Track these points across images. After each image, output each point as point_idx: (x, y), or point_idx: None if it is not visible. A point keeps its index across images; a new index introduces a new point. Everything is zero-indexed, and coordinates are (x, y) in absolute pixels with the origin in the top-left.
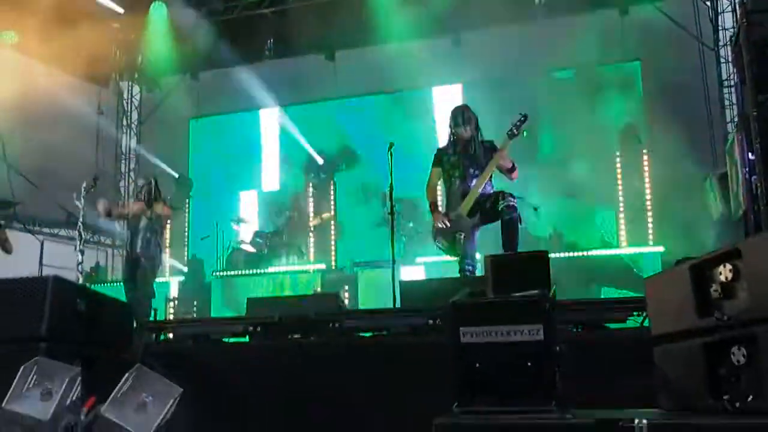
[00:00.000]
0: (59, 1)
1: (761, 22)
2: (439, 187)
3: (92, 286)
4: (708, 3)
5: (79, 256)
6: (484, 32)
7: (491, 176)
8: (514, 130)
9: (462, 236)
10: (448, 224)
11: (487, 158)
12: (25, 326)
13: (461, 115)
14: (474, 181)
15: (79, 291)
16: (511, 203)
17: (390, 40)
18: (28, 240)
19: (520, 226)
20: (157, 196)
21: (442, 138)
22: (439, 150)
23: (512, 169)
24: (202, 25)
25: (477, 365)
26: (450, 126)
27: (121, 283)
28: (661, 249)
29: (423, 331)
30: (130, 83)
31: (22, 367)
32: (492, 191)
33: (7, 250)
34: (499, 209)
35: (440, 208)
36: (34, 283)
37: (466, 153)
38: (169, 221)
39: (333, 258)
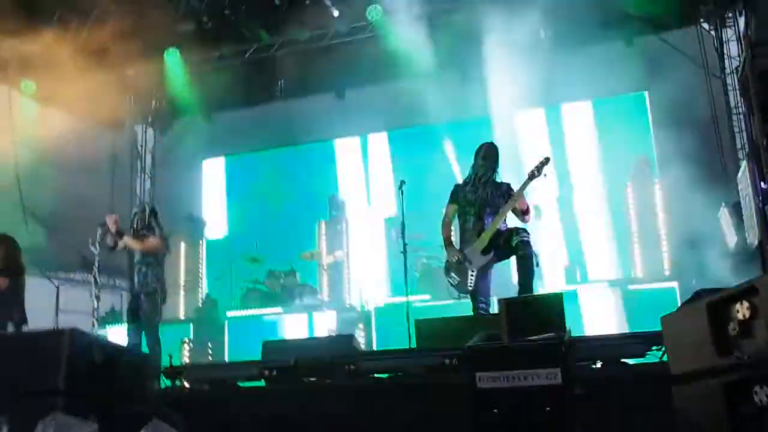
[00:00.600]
0: (75, 49)
1: (766, 54)
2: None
3: (107, 328)
4: (713, 32)
5: (95, 302)
6: (489, 67)
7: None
8: (535, 172)
9: (475, 273)
10: (462, 260)
11: (504, 198)
12: (42, 380)
13: (483, 153)
14: (489, 220)
15: (96, 343)
16: (525, 239)
17: (398, 77)
18: (44, 285)
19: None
20: (150, 226)
21: (453, 174)
22: (457, 186)
23: (526, 212)
24: (214, 68)
25: (494, 411)
26: (473, 161)
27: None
28: (675, 285)
29: (439, 372)
30: (144, 127)
31: (39, 423)
32: (506, 228)
33: None
34: (513, 245)
35: (454, 244)
36: (51, 336)
37: (484, 191)
38: (162, 252)
39: (347, 296)
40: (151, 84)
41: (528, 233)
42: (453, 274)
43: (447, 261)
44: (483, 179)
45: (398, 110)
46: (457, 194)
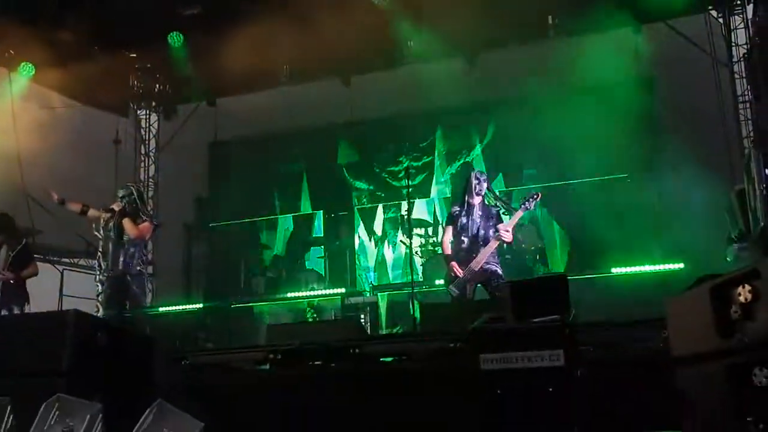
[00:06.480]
0: (77, 33)
1: None
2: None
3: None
4: (720, 20)
5: (99, 287)
6: (497, 52)
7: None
8: (527, 205)
9: (473, 287)
10: (461, 274)
11: (493, 222)
12: (46, 361)
13: (470, 182)
14: (480, 246)
15: (100, 324)
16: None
17: (405, 63)
18: (48, 270)
19: None
20: (135, 211)
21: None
22: (450, 213)
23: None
24: (219, 52)
25: (498, 392)
26: (464, 190)
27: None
28: (680, 266)
29: (444, 355)
30: (147, 111)
31: (43, 405)
32: (495, 267)
33: None
34: (489, 292)
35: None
36: (55, 317)
37: (473, 218)
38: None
39: (352, 281)
40: (155, 68)
41: (503, 278)
42: (453, 288)
43: (447, 275)
44: (474, 206)
45: (403, 95)
46: (452, 219)
